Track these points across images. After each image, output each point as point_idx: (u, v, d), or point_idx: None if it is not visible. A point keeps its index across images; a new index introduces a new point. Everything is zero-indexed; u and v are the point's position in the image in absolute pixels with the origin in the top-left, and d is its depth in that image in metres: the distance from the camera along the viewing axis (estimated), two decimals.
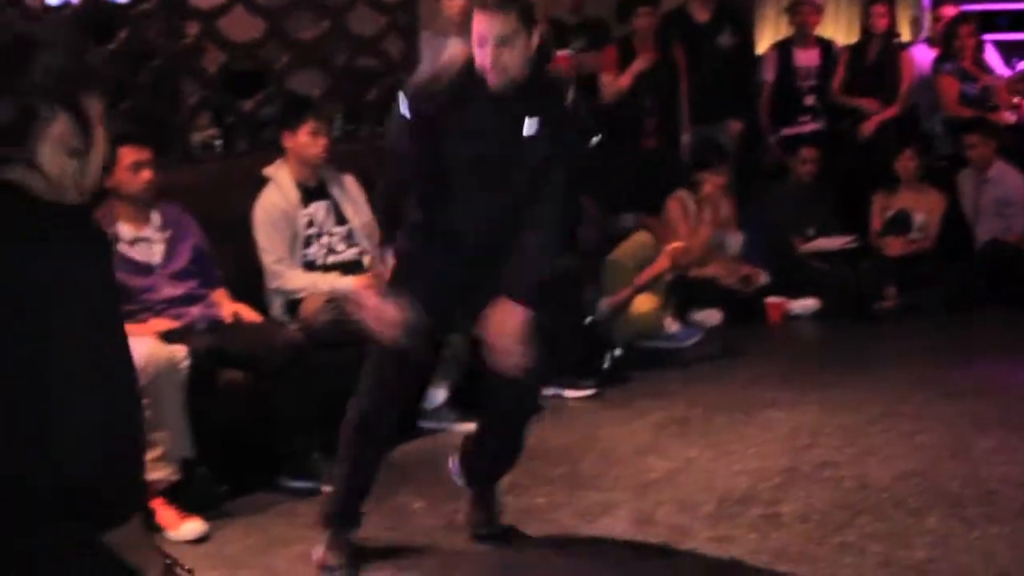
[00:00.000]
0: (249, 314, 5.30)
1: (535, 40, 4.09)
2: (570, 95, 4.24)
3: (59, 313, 1.85)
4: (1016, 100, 8.78)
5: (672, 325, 7.29)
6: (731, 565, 4.37)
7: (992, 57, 8.97)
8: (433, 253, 4.25)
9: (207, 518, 4.71)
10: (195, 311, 5.17)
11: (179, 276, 5.19)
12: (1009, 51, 9.47)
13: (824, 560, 4.37)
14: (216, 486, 4.94)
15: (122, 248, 5.08)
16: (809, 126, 8.78)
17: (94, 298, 1.87)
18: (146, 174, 5.10)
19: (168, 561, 2.06)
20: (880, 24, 8.70)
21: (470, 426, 5.74)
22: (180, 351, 4.84)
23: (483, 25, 4.02)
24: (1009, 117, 8.70)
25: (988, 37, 9.12)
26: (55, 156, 1.99)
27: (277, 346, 5.11)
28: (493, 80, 4.05)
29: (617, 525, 4.71)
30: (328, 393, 5.13)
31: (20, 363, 1.87)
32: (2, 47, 1.95)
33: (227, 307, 5.27)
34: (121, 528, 1.94)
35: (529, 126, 4.09)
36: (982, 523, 4.65)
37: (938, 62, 8.84)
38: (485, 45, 4.01)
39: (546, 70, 4.36)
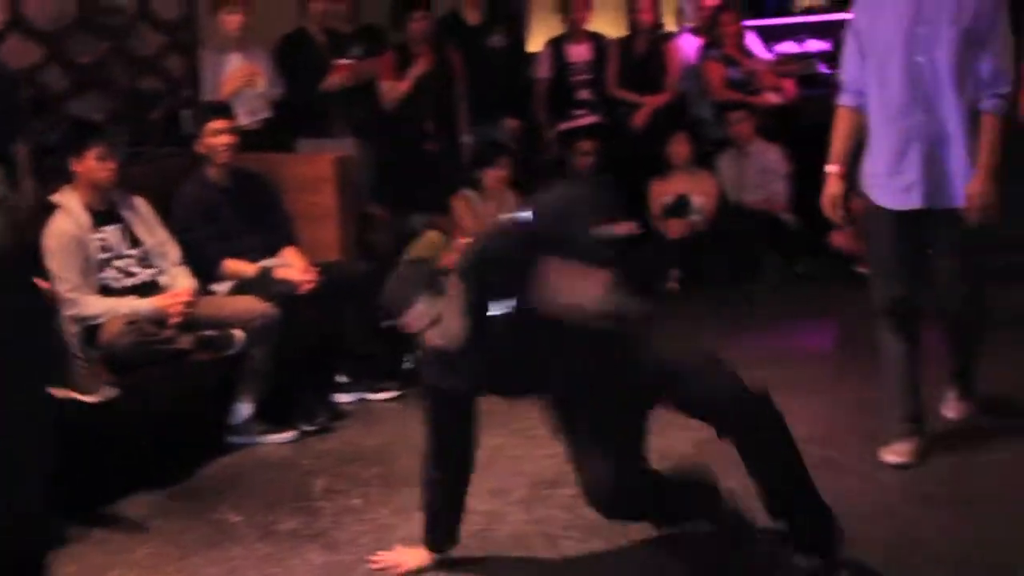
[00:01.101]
0: None
1: None
2: None
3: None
4: (780, 82, 9.21)
5: None
6: (547, 543, 4.55)
7: (753, 42, 9.38)
8: None
9: None
10: None
11: None
12: (769, 36, 9.92)
13: (633, 530, 4.54)
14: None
15: None
16: (585, 119, 8.99)
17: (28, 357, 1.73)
18: None
19: None
20: (645, 19, 9.01)
21: (278, 437, 5.85)
22: None
23: None
24: (773, 99, 9.11)
25: (748, 23, 9.54)
26: None
27: None
28: None
29: None
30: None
31: None
32: None
33: None
34: None
35: None
36: None
37: (704, 49, 9.20)
38: None
39: None
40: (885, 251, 5.12)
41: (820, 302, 8.00)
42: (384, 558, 4.46)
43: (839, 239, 8.19)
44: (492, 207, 7.96)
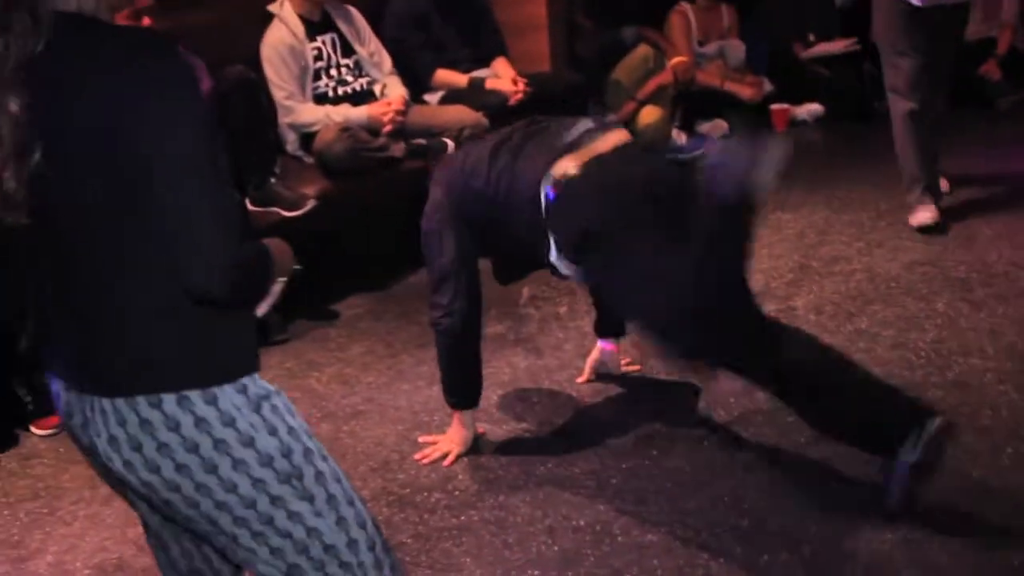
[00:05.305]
0: None
1: None
2: None
3: (155, 147, 1.81)
4: None
5: (680, 137, 7.39)
6: None
7: None
8: None
9: None
10: None
11: None
12: None
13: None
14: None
15: None
16: None
17: (189, 131, 1.82)
18: (146, 21, 5.12)
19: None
20: None
21: None
22: None
23: None
24: None
25: None
26: None
27: None
28: None
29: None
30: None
31: (124, 195, 1.85)
32: None
33: None
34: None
35: None
36: (989, 303, 4.82)
37: None
38: None
39: None
40: None
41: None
42: (429, 453, 4.06)
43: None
44: (708, 22, 7.83)
